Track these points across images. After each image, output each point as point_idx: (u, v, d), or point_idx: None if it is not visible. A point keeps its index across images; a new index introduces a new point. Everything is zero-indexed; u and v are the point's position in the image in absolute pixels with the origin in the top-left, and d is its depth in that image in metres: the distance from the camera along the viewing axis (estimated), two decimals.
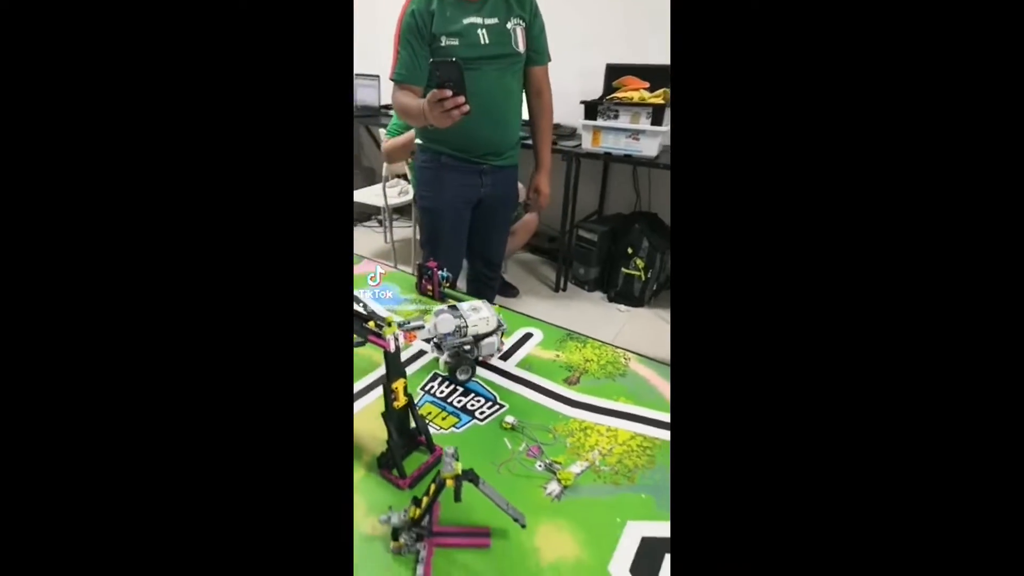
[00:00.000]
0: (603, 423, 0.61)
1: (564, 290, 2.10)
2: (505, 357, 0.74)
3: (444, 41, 0.99)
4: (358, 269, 1.02)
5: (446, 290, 0.92)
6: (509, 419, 0.61)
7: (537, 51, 1.12)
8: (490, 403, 0.64)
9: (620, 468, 0.54)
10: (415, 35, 1.00)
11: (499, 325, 0.69)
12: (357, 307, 0.54)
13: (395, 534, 0.44)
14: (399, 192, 2.26)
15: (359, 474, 0.52)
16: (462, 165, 1.11)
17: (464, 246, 1.23)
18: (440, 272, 0.91)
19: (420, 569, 0.42)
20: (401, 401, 0.50)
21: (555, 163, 2.21)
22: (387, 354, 0.49)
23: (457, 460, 0.42)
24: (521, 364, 0.73)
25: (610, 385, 0.69)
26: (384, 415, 0.51)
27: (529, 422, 0.61)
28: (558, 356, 0.75)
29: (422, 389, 0.66)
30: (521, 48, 1.08)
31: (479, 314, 0.67)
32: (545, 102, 1.20)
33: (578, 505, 0.50)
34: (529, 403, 0.65)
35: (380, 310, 0.88)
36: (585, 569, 0.43)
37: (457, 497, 0.42)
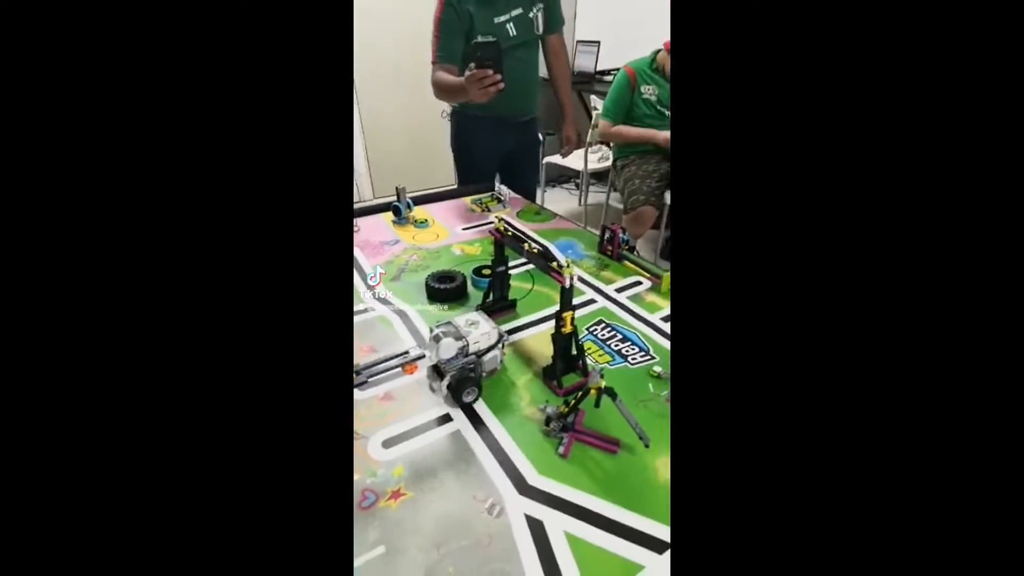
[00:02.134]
0: None
1: None
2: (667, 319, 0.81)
3: (480, 38, 1.19)
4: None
5: (625, 252, 1.01)
6: (658, 369, 0.69)
7: (552, 21, 1.33)
8: (643, 352, 0.73)
9: None
10: (454, 25, 1.20)
11: (500, 337, 0.66)
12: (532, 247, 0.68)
13: (547, 420, 0.58)
14: (599, 158, 2.36)
15: (527, 376, 0.68)
16: (497, 123, 1.36)
17: (494, 180, 1.44)
18: (621, 235, 1.00)
19: (562, 449, 0.56)
20: (567, 328, 0.64)
21: None
22: (562, 289, 0.62)
23: (602, 377, 0.54)
24: None
25: None
26: (553, 336, 0.65)
27: None
28: None
29: (587, 330, 0.79)
30: (541, 30, 1.31)
31: (479, 329, 0.63)
32: (562, 61, 1.45)
33: None
34: None
35: (561, 258, 1.02)
36: None
37: (597, 404, 0.54)
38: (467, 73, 0.97)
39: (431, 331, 0.62)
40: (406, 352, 0.59)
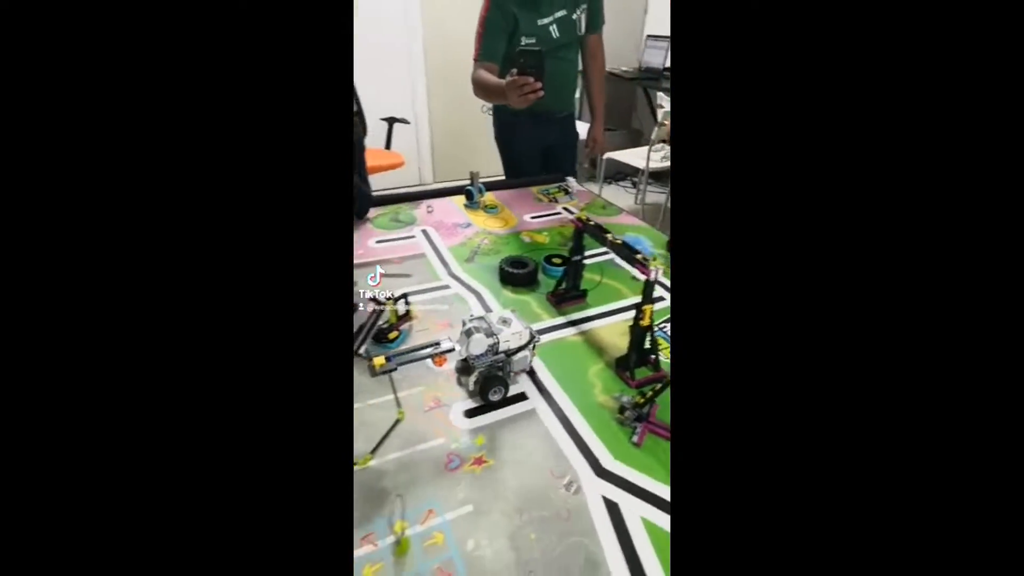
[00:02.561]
0: None
1: None
2: None
3: (524, 41, 1.22)
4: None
5: None
6: None
7: (593, 21, 1.33)
8: None
9: None
10: (499, 24, 1.22)
11: (531, 338, 0.64)
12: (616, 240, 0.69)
13: (622, 409, 0.59)
14: (662, 157, 2.32)
15: (599, 365, 0.69)
16: (536, 119, 1.39)
17: (537, 172, 1.50)
18: None
19: (635, 437, 0.57)
20: (646, 321, 0.64)
21: None
22: (647, 282, 0.63)
23: None
24: None
25: None
26: (630, 328, 0.66)
27: None
28: None
29: (657, 326, 0.79)
30: (583, 31, 1.32)
31: (510, 328, 0.61)
32: (599, 63, 1.46)
33: None
34: None
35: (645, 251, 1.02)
36: None
37: None
38: (508, 79, 0.97)
39: (464, 324, 0.61)
40: (437, 343, 0.58)
